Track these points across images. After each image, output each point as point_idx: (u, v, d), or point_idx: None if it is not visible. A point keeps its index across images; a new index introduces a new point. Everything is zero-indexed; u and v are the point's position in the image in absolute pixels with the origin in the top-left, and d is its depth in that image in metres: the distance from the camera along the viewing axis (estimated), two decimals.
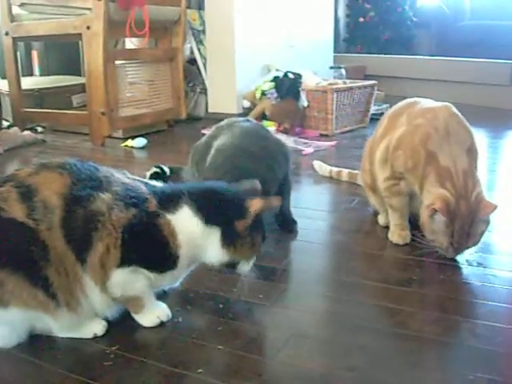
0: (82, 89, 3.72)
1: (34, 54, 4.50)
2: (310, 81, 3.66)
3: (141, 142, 3.23)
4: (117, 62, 3.32)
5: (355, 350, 1.16)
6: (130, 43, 3.84)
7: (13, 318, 1.12)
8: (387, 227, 1.78)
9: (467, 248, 1.53)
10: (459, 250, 1.53)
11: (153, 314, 1.24)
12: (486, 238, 1.56)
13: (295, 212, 1.89)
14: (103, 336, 1.20)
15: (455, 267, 1.55)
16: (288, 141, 2.99)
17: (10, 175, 1.15)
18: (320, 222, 1.97)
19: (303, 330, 1.25)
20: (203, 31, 4.15)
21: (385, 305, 1.36)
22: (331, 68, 4.52)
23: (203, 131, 3.14)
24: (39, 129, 3.76)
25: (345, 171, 2.43)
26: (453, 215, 1.46)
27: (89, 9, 3.08)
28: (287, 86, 3.46)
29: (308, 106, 3.52)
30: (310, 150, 3.04)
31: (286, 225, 1.84)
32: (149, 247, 1.16)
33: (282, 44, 4.25)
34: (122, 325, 1.23)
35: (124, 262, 1.13)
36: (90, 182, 1.14)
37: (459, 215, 1.46)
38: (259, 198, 1.22)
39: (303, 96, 3.50)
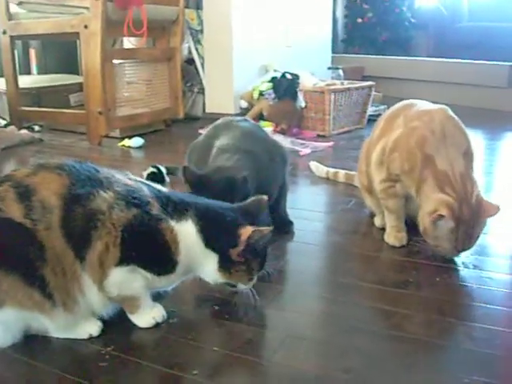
0: (79, 88, 3.71)
1: (32, 52, 4.50)
2: (307, 81, 3.66)
3: (138, 141, 3.23)
4: (114, 62, 3.32)
5: (351, 352, 1.16)
6: (128, 43, 3.83)
7: (7, 317, 1.11)
8: (383, 229, 1.78)
9: (468, 249, 1.54)
10: (461, 252, 1.54)
11: (148, 315, 1.23)
12: (482, 240, 1.56)
13: (292, 213, 1.89)
14: (98, 336, 1.19)
15: (451, 269, 1.55)
16: (285, 141, 2.99)
17: (7, 175, 1.15)
18: (316, 223, 1.97)
19: (299, 331, 1.25)
20: (201, 31, 4.15)
21: (381, 307, 1.36)
22: (329, 69, 4.52)
23: (200, 131, 3.13)
24: (36, 128, 3.75)
25: (341, 172, 2.43)
26: (457, 220, 1.45)
27: (86, 8, 3.08)
28: (285, 87, 3.46)
29: (305, 106, 3.52)
30: (307, 150, 3.04)
31: (283, 226, 1.83)
32: (149, 248, 1.16)
33: (280, 44, 4.25)
34: (118, 325, 1.23)
35: (123, 260, 1.13)
36: (90, 181, 1.14)
37: (462, 219, 1.46)
38: (251, 225, 1.20)
39: (301, 97, 3.50)
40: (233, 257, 1.19)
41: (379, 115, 2.01)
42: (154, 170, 2.35)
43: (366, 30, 5.97)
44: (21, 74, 3.94)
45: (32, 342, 1.17)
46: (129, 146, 3.21)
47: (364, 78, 4.66)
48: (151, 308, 1.24)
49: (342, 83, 3.82)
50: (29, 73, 4.46)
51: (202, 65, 4.15)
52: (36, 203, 1.08)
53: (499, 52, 4.63)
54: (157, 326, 1.24)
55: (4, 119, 3.69)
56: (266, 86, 3.55)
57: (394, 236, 1.72)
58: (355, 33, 6.07)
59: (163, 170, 2.38)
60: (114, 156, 3.08)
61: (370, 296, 1.43)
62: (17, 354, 1.14)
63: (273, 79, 3.55)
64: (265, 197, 1.30)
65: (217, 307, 1.33)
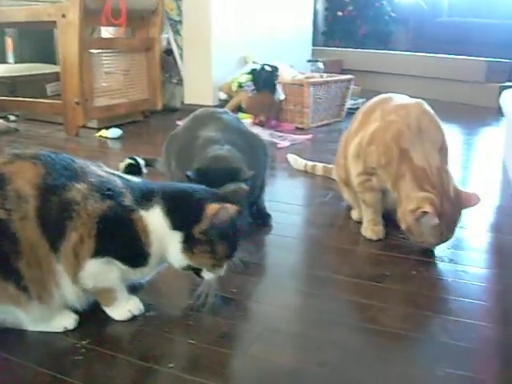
0: (56, 77, 3.65)
1: (8, 40, 4.42)
2: (286, 74, 3.65)
3: (115, 132, 3.20)
4: (92, 51, 3.27)
5: (327, 345, 1.17)
6: (106, 32, 3.79)
7: None
8: (361, 222, 1.79)
9: (451, 238, 1.56)
10: (445, 242, 1.57)
11: (124, 308, 1.23)
12: (457, 234, 1.58)
13: (270, 206, 1.89)
14: (74, 330, 1.18)
15: (428, 263, 1.56)
16: (264, 134, 2.99)
17: None
18: (294, 217, 1.97)
19: (275, 324, 1.25)
20: (180, 21, 4.12)
21: (357, 300, 1.37)
22: (309, 61, 4.52)
23: (178, 122, 3.12)
24: (12, 117, 3.70)
25: (319, 165, 2.44)
26: (440, 215, 1.47)
27: None
28: (264, 79, 3.45)
29: (285, 99, 3.52)
30: (285, 143, 3.04)
31: (261, 218, 1.84)
32: (123, 240, 1.15)
33: (260, 36, 4.23)
34: (93, 318, 1.22)
35: (98, 252, 1.12)
36: (65, 172, 1.13)
37: (445, 214, 1.48)
38: (219, 203, 1.18)
39: (279, 89, 3.50)
40: (195, 234, 1.17)
41: (358, 108, 2.02)
42: (132, 161, 2.33)
43: (346, 24, 5.99)
44: None
45: (6, 336, 1.15)
46: (106, 137, 3.18)
47: (343, 72, 4.67)
48: (127, 300, 1.24)
49: (321, 76, 3.83)
50: (5, 61, 4.39)
51: (181, 55, 4.13)
52: (11, 192, 1.07)
53: (478, 47, 4.68)
54: (133, 318, 1.23)
55: None
56: (245, 78, 3.54)
57: (370, 229, 1.73)
58: (335, 26, 6.08)
59: (141, 161, 2.36)
60: (91, 147, 3.05)
61: (346, 289, 1.44)
62: None
63: (252, 71, 3.53)
64: (244, 186, 1.29)
65: (193, 300, 1.32)
